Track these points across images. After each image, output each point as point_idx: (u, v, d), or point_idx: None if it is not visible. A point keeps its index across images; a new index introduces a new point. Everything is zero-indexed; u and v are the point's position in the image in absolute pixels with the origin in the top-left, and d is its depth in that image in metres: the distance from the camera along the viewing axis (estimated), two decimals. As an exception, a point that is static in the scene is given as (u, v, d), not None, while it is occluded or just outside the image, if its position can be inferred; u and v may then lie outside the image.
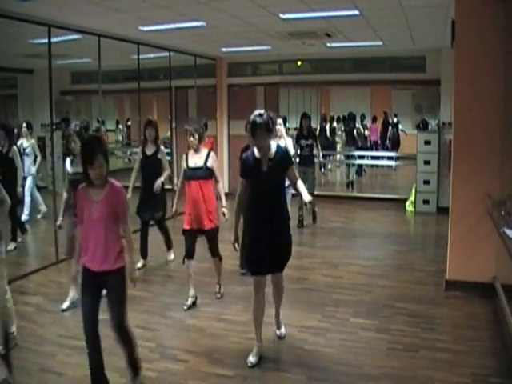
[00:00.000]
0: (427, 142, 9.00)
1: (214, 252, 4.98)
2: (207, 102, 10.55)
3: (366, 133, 12.70)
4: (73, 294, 4.82)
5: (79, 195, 3.28)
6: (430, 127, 9.56)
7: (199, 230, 4.81)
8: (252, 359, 3.76)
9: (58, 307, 4.84)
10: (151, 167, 5.79)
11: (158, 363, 3.77)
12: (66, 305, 4.81)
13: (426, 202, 9.08)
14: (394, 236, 7.64)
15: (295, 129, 10.64)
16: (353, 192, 11.11)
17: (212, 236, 4.88)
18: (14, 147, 6.67)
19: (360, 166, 12.35)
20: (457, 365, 3.64)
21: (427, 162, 9.01)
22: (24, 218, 7.61)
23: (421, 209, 9.09)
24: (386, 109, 13.25)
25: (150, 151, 5.80)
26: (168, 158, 6.39)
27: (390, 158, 11.70)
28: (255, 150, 3.69)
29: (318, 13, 6.06)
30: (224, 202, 4.92)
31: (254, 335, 3.85)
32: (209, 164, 4.75)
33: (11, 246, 6.49)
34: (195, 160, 4.77)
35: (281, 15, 6.20)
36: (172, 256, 6.34)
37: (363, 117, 12.93)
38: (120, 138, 12.65)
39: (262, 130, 3.53)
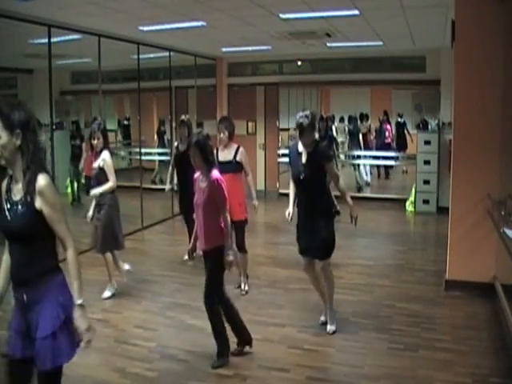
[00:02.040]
0: (427, 142, 8.99)
1: (241, 245, 5.11)
2: (207, 102, 10.55)
3: (386, 134, 12.53)
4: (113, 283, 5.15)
5: (195, 182, 3.82)
6: (429, 127, 9.56)
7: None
8: (322, 318, 4.36)
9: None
10: (183, 163, 5.94)
11: (158, 363, 3.77)
12: (107, 294, 5.12)
13: (425, 201, 9.07)
14: (394, 236, 7.64)
15: (295, 129, 10.79)
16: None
17: (240, 227, 5.05)
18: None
19: (377, 166, 12.30)
20: (457, 365, 3.64)
21: (427, 162, 9.00)
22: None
23: (421, 209, 9.09)
24: (387, 109, 13.22)
25: (182, 148, 6.03)
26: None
27: (389, 158, 11.67)
28: (299, 143, 4.12)
29: (317, 13, 6.06)
30: (254, 195, 5.20)
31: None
32: (238, 158, 5.02)
33: None
34: (225, 154, 5.06)
35: (281, 15, 6.20)
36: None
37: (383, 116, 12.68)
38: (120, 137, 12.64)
39: (306, 130, 3.97)
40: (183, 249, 6.31)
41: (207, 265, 3.74)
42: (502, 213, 4.12)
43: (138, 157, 8.72)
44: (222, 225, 3.66)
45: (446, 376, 3.50)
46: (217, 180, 3.62)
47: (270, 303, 4.81)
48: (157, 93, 10.86)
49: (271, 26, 6.97)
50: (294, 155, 4.16)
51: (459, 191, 5.03)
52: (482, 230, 4.88)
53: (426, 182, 9.05)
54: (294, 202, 4.30)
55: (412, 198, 9.28)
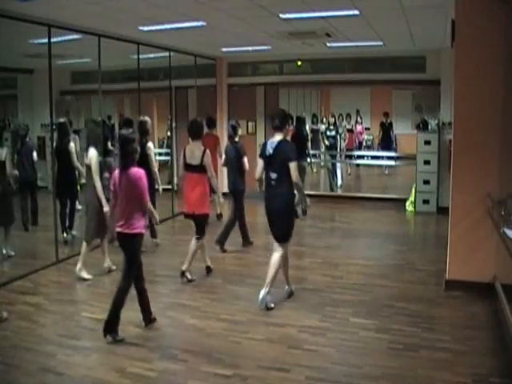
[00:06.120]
0: (427, 142, 8.99)
1: None
2: (207, 102, 10.54)
3: (343, 134, 12.62)
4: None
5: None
6: (429, 127, 9.57)
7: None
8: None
9: (58, 307, 4.85)
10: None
11: (157, 363, 3.77)
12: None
13: (425, 201, 9.07)
14: (394, 236, 7.64)
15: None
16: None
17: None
18: (71, 143, 6.99)
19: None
20: (457, 365, 3.64)
21: (427, 162, 9.00)
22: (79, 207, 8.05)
23: (421, 209, 9.09)
24: (387, 109, 13.24)
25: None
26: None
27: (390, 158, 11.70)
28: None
29: (317, 13, 6.06)
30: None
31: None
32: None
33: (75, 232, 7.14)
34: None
35: (281, 15, 6.20)
36: None
37: (349, 117, 12.80)
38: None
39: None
40: (184, 249, 6.31)
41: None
42: (502, 213, 4.12)
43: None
44: None
45: (445, 376, 3.49)
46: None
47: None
48: (157, 93, 10.85)
49: (271, 26, 6.97)
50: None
51: (459, 191, 5.03)
52: (481, 230, 4.88)
53: (426, 182, 9.04)
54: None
55: (412, 198, 9.28)
